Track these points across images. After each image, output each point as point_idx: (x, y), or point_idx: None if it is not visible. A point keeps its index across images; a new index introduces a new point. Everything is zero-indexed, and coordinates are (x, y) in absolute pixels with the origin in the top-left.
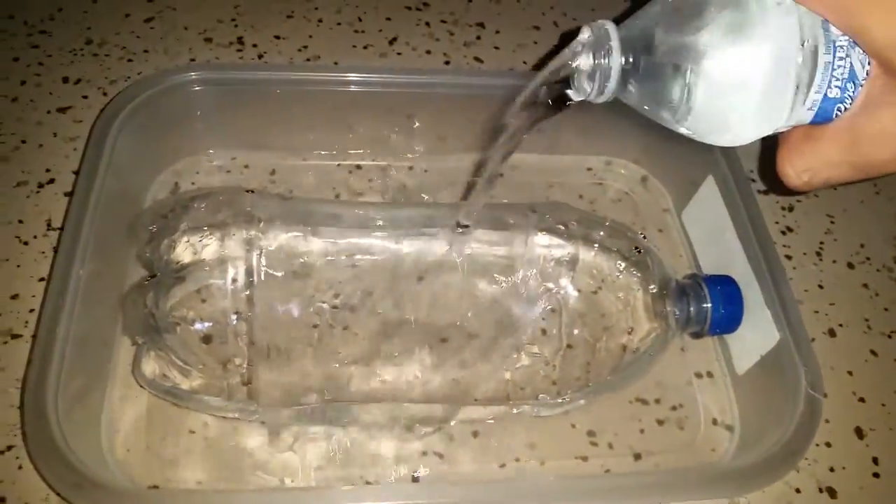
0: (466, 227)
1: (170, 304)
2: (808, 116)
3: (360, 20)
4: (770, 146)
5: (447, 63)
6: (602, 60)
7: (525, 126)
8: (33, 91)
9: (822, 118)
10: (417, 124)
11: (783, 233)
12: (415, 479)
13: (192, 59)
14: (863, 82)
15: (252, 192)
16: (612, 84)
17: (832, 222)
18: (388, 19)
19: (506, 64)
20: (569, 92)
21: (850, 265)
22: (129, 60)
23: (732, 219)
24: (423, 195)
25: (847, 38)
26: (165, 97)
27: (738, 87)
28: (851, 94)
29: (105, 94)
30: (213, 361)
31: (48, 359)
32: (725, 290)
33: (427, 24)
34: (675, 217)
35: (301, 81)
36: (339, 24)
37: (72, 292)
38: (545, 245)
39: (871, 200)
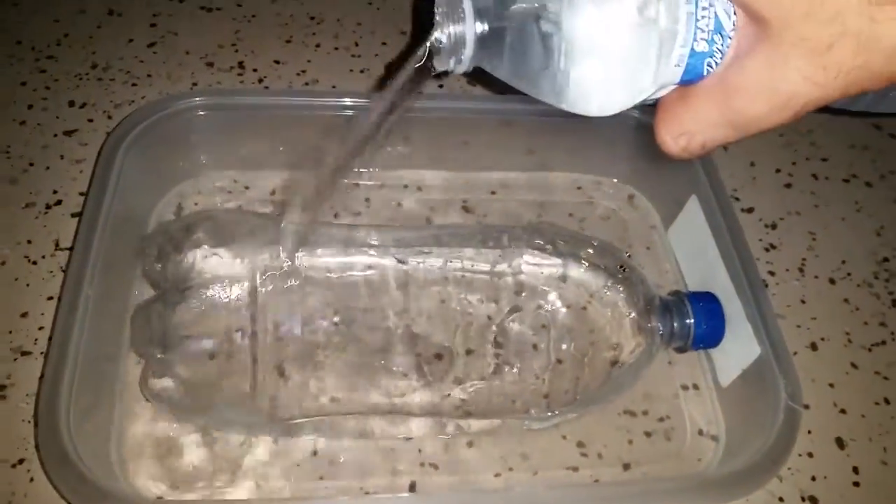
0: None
1: (176, 321)
2: (677, 74)
3: (356, 45)
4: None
5: (441, 87)
6: (457, 28)
7: (389, 107)
8: (40, 115)
9: (693, 76)
10: (413, 146)
11: (766, 250)
12: (412, 489)
13: (195, 84)
14: (731, 34)
15: (254, 213)
16: (469, 51)
17: (814, 239)
18: (384, 44)
19: (497, 88)
20: (434, 62)
21: (832, 281)
22: (133, 84)
23: (715, 236)
24: (418, 212)
25: None
26: (170, 121)
27: (597, 44)
28: (720, 47)
29: (110, 117)
30: (217, 377)
31: (60, 374)
32: (707, 307)
33: None
34: (661, 234)
35: (300, 106)
36: (336, 48)
37: (81, 310)
38: (534, 263)
39: (852, 218)
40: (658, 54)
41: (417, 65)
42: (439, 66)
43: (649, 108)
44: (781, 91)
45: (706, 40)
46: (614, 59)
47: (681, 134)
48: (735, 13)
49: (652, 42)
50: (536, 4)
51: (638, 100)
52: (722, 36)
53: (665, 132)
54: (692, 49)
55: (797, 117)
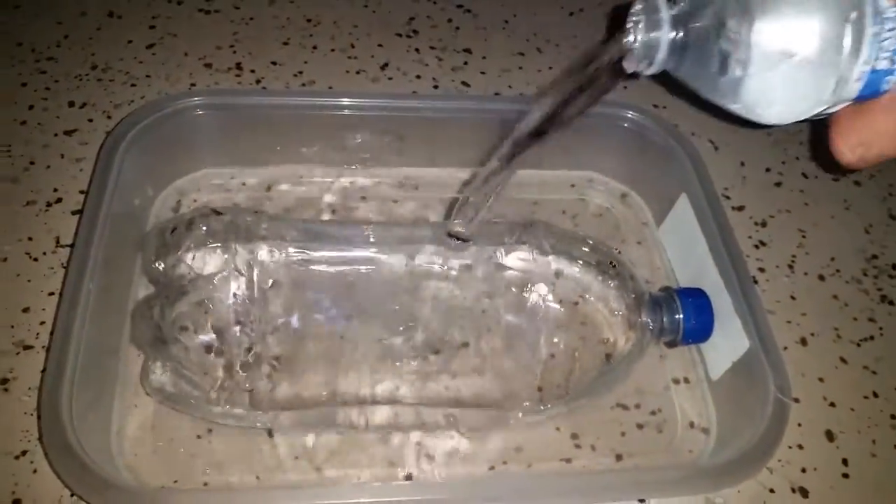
0: (462, 238)
1: (175, 317)
2: (855, 90)
3: (352, 47)
4: (821, 129)
5: (436, 87)
6: (652, 32)
7: (562, 118)
8: (41, 115)
9: (872, 91)
10: (408, 145)
11: (756, 247)
12: (408, 479)
13: (193, 84)
14: None
15: (251, 210)
16: (662, 55)
17: (804, 236)
18: (380, 46)
19: (491, 88)
20: (623, 63)
21: (822, 277)
22: (133, 85)
23: (704, 233)
24: (413, 209)
25: (894, 9)
26: (169, 120)
27: (784, 58)
28: None
29: (109, 117)
30: (216, 370)
31: (62, 367)
32: (696, 302)
33: (417, 50)
34: (653, 231)
35: (297, 106)
36: (332, 50)
37: (82, 305)
38: (527, 260)
39: (841, 215)
40: (841, 71)
41: (610, 64)
42: (629, 67)
43: (641, 108)
44: None
45: (888, 59)
46: (799, 72)
47: (858, 144)
48: None
49: (837, 60)
50: (728, 14)
51: (814, 111)
52: None
53: (842, 143)
54: (873, 67)
55: None
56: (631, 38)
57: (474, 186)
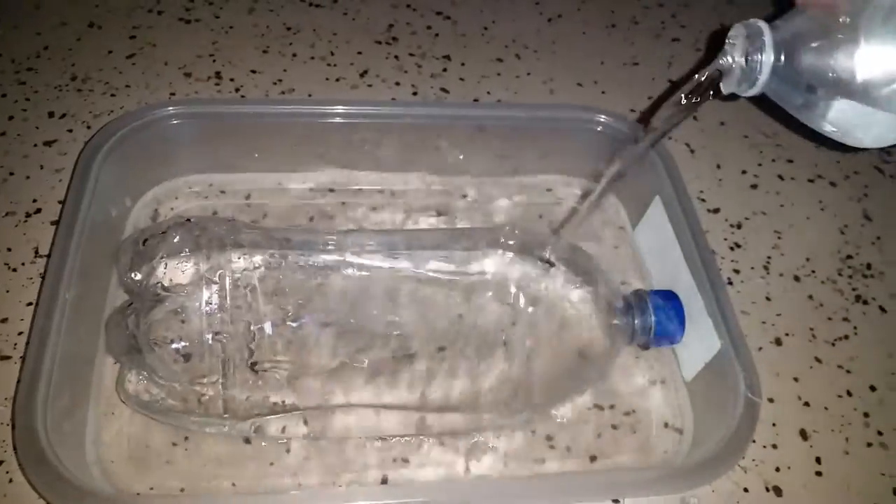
0: (550, 263)
1: (149, 326)
2: None
3: (332, 54)
4: None
5: (415, 94)
6: (755, 56)
7: (668, 125)
8: (20, 125)
9: None
10: (387, 151)
11: (732, 248)
12: (384, 482)
13: (173, 94)
14: None
15: (225, 218)
16: (763, 78)
17: (779, 238)
18: (360, 53)
19: (471, 94)
20: (721, 84)
21: (797, 278)
22: (112, 95)
23: (677, 236)
24: (392, 216)
25: None
26: (146, 130)
27: (888, 82)
28: None
29: (89, 127)
30: (191, 378)
31: (36, 377)
32: (667, 304)
33: (396, 57)
34: (629, 234)
35: (276, 114)
36: (312, 58)
37: (58, 314)
38: (502, 264)
39: (816, 216)
40: None
41: (707, 84)
42: (727, 89)
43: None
44: None
45: None
46: None
47: None
48: None
49: None
50: (832, 39)
51: None
52: None
53: None
54: None
55: None
56: (729, 59)
57: (578, 216)
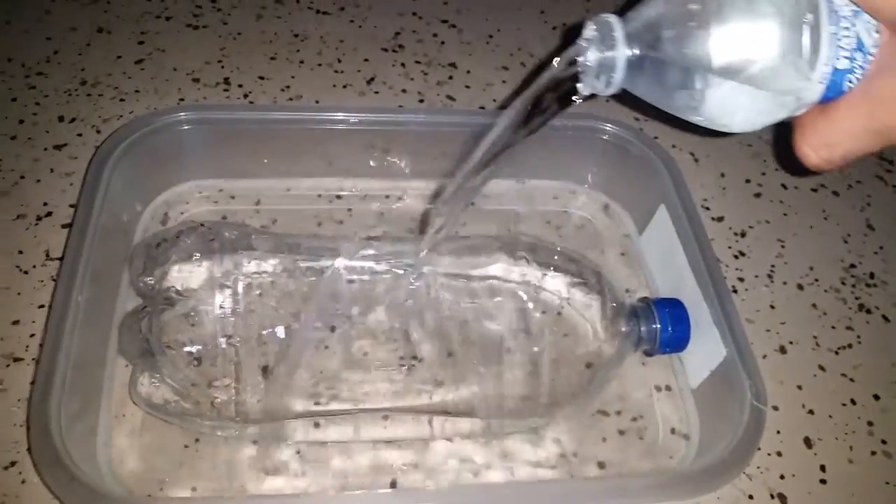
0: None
1: (162, 329)
2: (818, 91)
3: (339, 61)
4: (785, 132)
5: (421, 101)
6: (607, 53)
7: (526, 130)
8: (31, 129)
9: (834, 92)
10: (394, 158)
11: (736, 257)
12: (393, 486)
13: (181, 99)
14: (872, 50)
15: (237, 224)
16: (619, 75)
17: (783, 246)
18: (366, 60)
19: (476, 102)
20: (578, 86)
21: (800, 286)
22: (122, 100)
23: (683, 244)
24: (399, 222)
25: (851, 7)
26: (157, 135)
27: (745, 66)
28: (861, 63)
29: (98, 131)
30: (203, 381)
31: (51, 379)
32: (673, 313)
33: (402, 64)
34: (634, 241)
35: (284, 120)
36: (319, 65)
37: (71, 317)
38: (510, 271)
39: (819, 225)
40: (802, 74)
41: (559, 86)
42: (585, 90)
43: (622, 122)
44: None
45: (848, 58)
46: (760, 79)
47: (823, 146)
48: (878, 31)
49: (797, 63)
50: (683, 28)
51: (779, 117)
52: (863, 52)
53: (806, 145)
54: (834, 67)
55: None
56: (584, 57)
57: (443, 200)
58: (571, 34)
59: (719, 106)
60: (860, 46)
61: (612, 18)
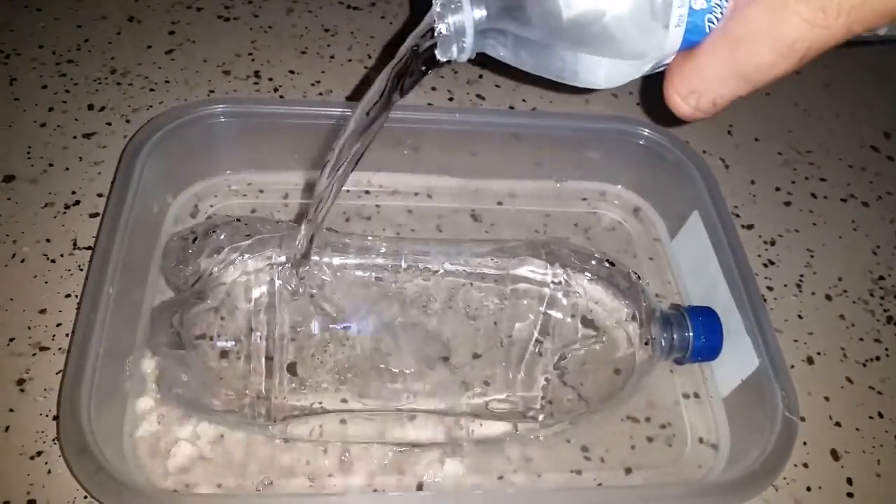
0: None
1: (192, 322)
2: (679, 36)
3: (369, 57)
4: (654, 83)
5: (451, 99)
6: (456, 17)
7: (388, 100)
8: (60, 117)
9: (696, 35)
10: (423, 156)
11: (765, 265)
12: (420, 488)
13: (212, 91)
14: None
15: (272, 219)
16: (470, 39)
17: (812, 256)
18: None
19: (506, 102)
20: (436, 52)
21: (829, 297)
22: (151, 90)
23: (716, 252)
24: (428, 219)
25: None
26: (190, 126)
27: (596, 16)
28: (719, 2)
29: (128, 121)
30: (232, 377)
31: (81, 370)
32: (706, 321)
33: None
34: (665, 247)
35: (314, 115)
36: (349, 60)
37: (102, 308)
38: (540, 274)
39: (849, 236)
40: (657, 18)
41: (419, 53)
42: (442, 56)
43: (655, 126)
44: (785, 36)
45: None
46: (616, 29)
47: (690, 93)
48: None
49: (650, 7)
50: None
51: (646, 68)
52: None
53: (673, 92)
54: (690, 8)
55: (804, 62)
56: (436, 27)
57: (322, 179)
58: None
59: (579, 62)
60: None
61: None
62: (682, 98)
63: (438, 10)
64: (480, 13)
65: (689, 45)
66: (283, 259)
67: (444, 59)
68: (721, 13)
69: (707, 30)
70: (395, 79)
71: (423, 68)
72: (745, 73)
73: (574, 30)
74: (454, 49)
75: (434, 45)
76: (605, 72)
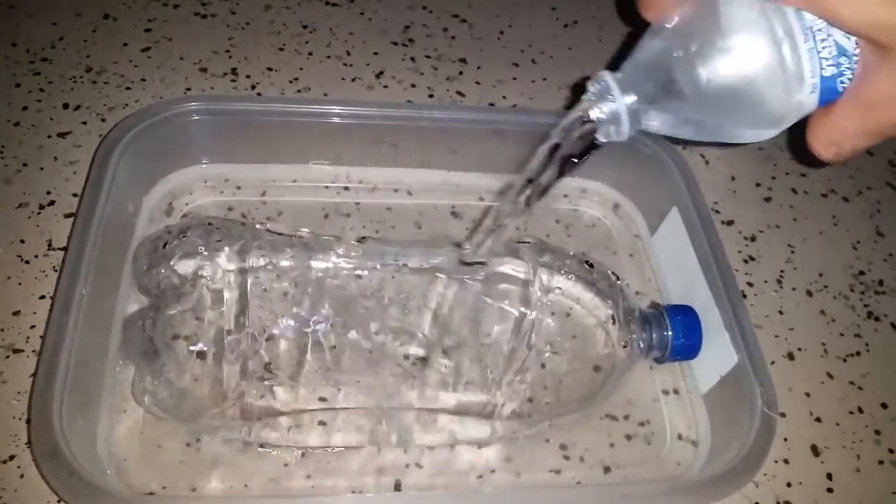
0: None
1: (166, 326)
2: (814, 100)
3: (348, 54)
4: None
5: (431, 96)
6: (609, 108)
7: (554, 176)
8: (35, 116)
9: (830, 95)
10: (402, 153)
11: (745, 261)
12: (397, 488)
13: (188, 89)
14: (856, 52)
15: (243, 221)
16: (626, 126)
17: (792, 252)
18: (376, 54)
19: (486, 98)
20: (597, 136)
21: (809, 293)
22: (127, 88)
23: (695, 247)
24: (407, 216)
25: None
26: (164, 124)
27: (738, 93)
28: (848, 66)
29: (104, 120)
30: (207, 380)
31: (53, 372)
32: (685, 321)
33: (412, 59)
34: (645, 243)
35: (292, 112)
36: (328, 57)
37: (75, 310)
38: (521, 273)
39: (829, 231)
40: (793, 88)
41: (581, 135)
42: (603, 139)
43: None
44: None
45: (832, 65)
46: (756, 101)
47: (830, 144)
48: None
49: (785, 79)
50: (674, 69)
51: (784, 127)
52: (847, 56)
53: (817, 144)
54: (821, 76)
55: None
56: (592, 114)
57: (486, 225)
58: (579, 90)
59: (725, 130)
60: (842, 52)
61: (608, 76)
62: (823, 147)
63: (591, 100)
64: (632, 100)
65: (825, 102)
66: (256, 260)
67: (605, 141)
68: (851, 74)
69: (840, 89)
70: (559, 162)
71: (586, 152)
72: (877, 129)
73: (718, 107)
74: (613, 132)
75: (594, 129)
76: (752, 135)
